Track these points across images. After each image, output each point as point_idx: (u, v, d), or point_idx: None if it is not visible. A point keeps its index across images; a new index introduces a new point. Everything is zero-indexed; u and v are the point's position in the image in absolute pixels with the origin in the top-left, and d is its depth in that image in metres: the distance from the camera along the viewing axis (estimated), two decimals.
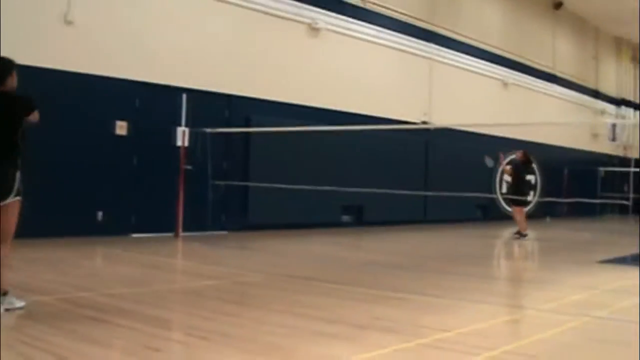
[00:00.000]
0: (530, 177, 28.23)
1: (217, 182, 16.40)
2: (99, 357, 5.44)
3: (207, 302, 8.08)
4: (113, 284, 9.12)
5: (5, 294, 6.77)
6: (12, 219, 6.73)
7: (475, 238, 19.90)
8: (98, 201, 14.56)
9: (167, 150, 15.62)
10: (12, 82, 6.94)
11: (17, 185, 6.72)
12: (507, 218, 25.99)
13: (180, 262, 12.90)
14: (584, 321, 7.59)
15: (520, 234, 18.21)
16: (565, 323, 7.27)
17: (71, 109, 13.96)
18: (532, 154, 18.99)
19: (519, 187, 18.51)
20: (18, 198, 6.77)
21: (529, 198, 27.02)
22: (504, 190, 26.18)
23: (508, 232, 19.48)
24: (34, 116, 7.04)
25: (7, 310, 6.73)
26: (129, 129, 15.11)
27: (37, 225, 12.72)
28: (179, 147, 15.66)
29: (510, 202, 18.94)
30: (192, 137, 15.89)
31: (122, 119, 15.04)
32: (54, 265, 10.67)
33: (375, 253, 15.15)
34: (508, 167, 19.02)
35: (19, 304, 6.93)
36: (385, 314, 7.59)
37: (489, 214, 26.25)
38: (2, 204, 6.64)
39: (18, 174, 6.74)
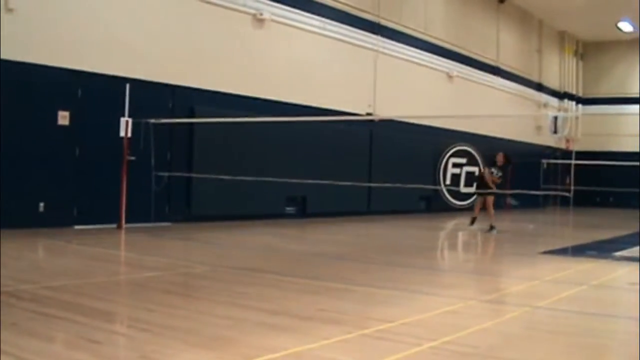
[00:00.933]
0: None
1: (160, 173, 16.28)
2: (41, 350, 5.37)
3: (150, 294, 8.03)
4: (55, 276, 9.04)
5: None
6: None
7: (419, 229, 20.04)
8: (40, 192, 14.38)
9: (110, 140, 15.45)
10: None
11: None
12: (450, 209, 26.27)
13: (123, 254, 12.79)
14: (524, 311, 7.68)
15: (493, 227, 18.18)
16: (506, 313, 7.36)
17: (13, 99, 13.76)
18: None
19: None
20: None
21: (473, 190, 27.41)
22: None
23: (452, 223, 19.64)
24: None
25: None
26: (71, 119, 14.93)
27: None
28: (122, 138, 15.49)
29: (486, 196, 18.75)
30: (135, 127, 15.74)
31: (64, 109, 14.85)
32: None
33: (320, 244, 15.19)
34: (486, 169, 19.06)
35: None
36: (330, 305, 7.61)
37: (433, 205, 26.42)
38: None
39: None
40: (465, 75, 29.08)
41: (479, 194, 18.96)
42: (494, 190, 18.39)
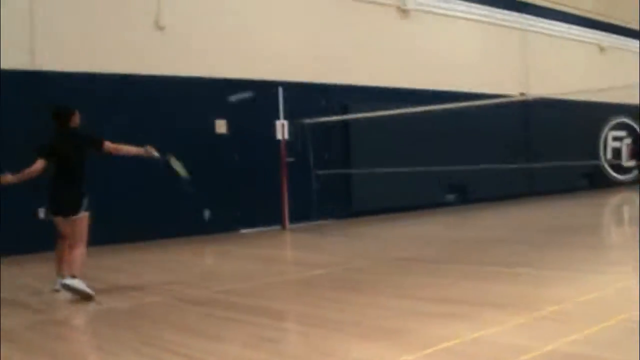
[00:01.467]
0: None
1: (319, 172, 16.47)
2: (218, 351, 5.53)
3: (319, 291, 8.15)
4: (226, 280, 9.26)
5: (73, 277, 7.84)
6: (82, 228, 8.20)
7: (583, 207, 19.55)
8: (204, 200, 14.77)
9: (268, 144, 15.73)
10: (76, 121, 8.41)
11: (84, 205, 8.18)
12: (613, 185, 25.49)
13: (289, 254, 13.03)
14: None
15: None
16: None
17: (172, 113, 14.22)
18: None
19: None
20: (85, 213, 8.20)
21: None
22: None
23: (616, 198, 19.11)
24: (107, 146, 8.43)
25: (64, 287, 7.87)
26: (228, 127, 15.29)
27: (144, 229, 13.12)
28: (279, 140, 15.77)
29: None
30: (291, 129, 15.98)
31: (221, 118, 15.23)
32: (164, 265, 10.90)
33: (482, 230, 15.02)
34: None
35: (86, 288, 7.82)
36: (498, 290, 7.55)
37: (595, 182, 25.71)
38: (74, 218, 8.13)
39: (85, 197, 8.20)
40: (617, 45, 28.17)
41: None
42: None
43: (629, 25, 28.90)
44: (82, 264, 8.05)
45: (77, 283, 7.80)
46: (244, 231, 15.24)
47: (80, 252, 8.07)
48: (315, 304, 7.27)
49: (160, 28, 14.40)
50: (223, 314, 6.94)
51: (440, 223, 16.47)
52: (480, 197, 20.58)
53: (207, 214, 14.81)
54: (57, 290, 8.25)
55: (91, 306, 7.54)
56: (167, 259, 11.79)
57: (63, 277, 8.03)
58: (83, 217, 8.18)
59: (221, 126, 15.24)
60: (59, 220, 8.21)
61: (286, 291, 8.47)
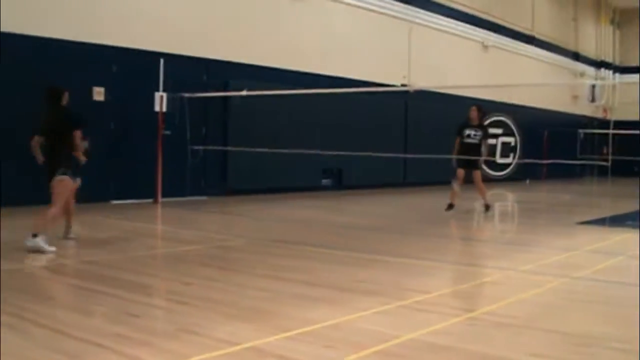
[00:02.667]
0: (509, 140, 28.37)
1: (195, 147, 16.32)
2: (80, 324, 5.40)
3: (188, 267, 8.07)
4: (93, 251, 9.09)
5: (34, 235, 8.57)
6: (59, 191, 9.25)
7: (457, 200, 19.91)
8: (78, 168, 14.41)
9: (145, 115, 15.49)
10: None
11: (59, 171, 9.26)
12: (486, 180, 26.05)
13: (160, 228, 12.86)
14: (562, 282, 7.62)
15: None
16: (544, 284, 7.30)
17: (48, 76, 13.80)
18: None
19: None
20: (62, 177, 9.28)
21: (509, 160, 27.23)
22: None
23: (489, 194, 19.47)
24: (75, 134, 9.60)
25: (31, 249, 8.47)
26: (106, 95, 14.97)
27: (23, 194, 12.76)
28: (157, 112, 15.53)
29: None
30: (170, 102, 15.76)
31: (99, 85, 14.89)
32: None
33: (357, 216, 15.14)
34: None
35: (49, 248, 8.54)
36: (367, 276, 7.61)
37: (470, 177, 26.20)
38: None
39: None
40: (501, 45, 28.81)
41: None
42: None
43: (512, 27, 29.61)
44: (50, 224, 9.04)
45: (34, 242, 8.52)
46: (115, 202, 14.97)
47: (51, 212, 8.99)
48: (183, 281, 7.17)
49: None
50: (88, 286, 6.80)
51: (315, 206, 16.53)
52: (356, 184, 20.77)
53: (78, 181, 14.45)
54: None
55: None
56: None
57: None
58: (58, 181, 9.22)
59: (99, 93, 14.90)
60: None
61: (154, 266, 8.37)
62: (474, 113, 15.45)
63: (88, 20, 14.60)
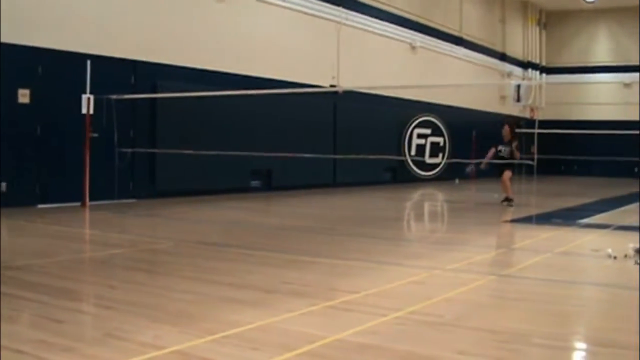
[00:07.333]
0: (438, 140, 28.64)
1: (123, 150, 16.17)
2: (3, 331, 5.30)
3: (114, 271, 8.01)
4: (17, 256, 8.92)
5: None
6: None
7: (385, 200, 20.08)
8: (1, 172, 14.20)
9: (72, 118, 15.28)
10: None
11: None
12: (416, 180, 26.30)
13: (87, 232, 12.69)
14: (490, 280, 7.72)
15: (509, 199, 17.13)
16: (471, 282, 7.38)
17: None
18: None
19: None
20: None
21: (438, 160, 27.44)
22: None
23: (417, 194, 19.72)
24: None
25: None
26: (31, 97, 14.74)
27: None
28: (84, 115, 15.33)
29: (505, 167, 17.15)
30: (98, 104, 15.58)
31: (24, 87, 14.65)
32: None
33: (285, 217, 15.16)
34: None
35: None
36: (295, 278, 7.61)
37: (398, 176, 26.45)
38: None
39: None
40: (429, 46, 29.05)
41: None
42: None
43: (440, 28, 29.88)
44: None
45: None
46: (41, 206, 14.76)
47: None
48: (109, 285, 7.10)
49: None
50: (11, 292, 6.66)
51: (244, 208, 16.50)
52: (286, 185, 20.78)
53: (2, 185, 14.25)
54: None
55: None
56: None
57: None
58: None
59: (24, 95, 14.67)
60: None
61: (80, 270, 8.26)
62: (504, 131, 17.10)
63: (12, 21, 14.35)
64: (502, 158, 16.87)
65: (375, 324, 5.55)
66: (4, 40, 14.07)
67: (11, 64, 14.26)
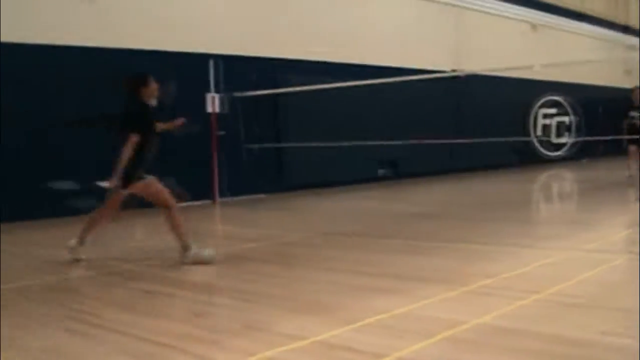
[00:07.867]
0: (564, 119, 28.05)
1: (250, 146, 16.37)
2: (149, 327, 5.44)
3: (250, 265, 8.11)
4: (154, 253, 9.13)
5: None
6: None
7: (513, 183, 19.79)
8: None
9: (198, 117, 15.54)
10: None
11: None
12: (543, 161, 25.81)
13: (220, 227, 12.93)
14: (626, 259, 7.54)
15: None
16: (608, 262, 7.22)
17: (99, 85, 13.93)
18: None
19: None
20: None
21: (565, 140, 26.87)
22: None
23: (546, 174, 19.34)
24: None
25: None
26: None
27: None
28: (209, 114, 15.61)
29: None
30: (222, 102, 15.81)
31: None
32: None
33: (415, 204, 15.09)
34: None
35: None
36: (429, 264, 7.60)
37: (525, 158, 26.00)
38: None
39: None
40: (550, 24, 28.48)
41: None
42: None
43: (561, 4, 29.26)
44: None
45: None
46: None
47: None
48: (247, 278, 7.22)
49: (91, 1, 14.08)
50: (152, 288, 6.86)
51: (372, 197, 16.51)
52: (412, 172, 20.66)
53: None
54: None
55: (15, 282, 7.36)
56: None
57: None
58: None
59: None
60: None
61: (217, 265, 8.39)
62: (635, 94, 16.22)
63: (134, 28, 14.70)
64: (634, 126, 16.09)
65: (516, 307, 5.49)
66: (128, 46, 14.40)
67: (137, 69, 14.53)
